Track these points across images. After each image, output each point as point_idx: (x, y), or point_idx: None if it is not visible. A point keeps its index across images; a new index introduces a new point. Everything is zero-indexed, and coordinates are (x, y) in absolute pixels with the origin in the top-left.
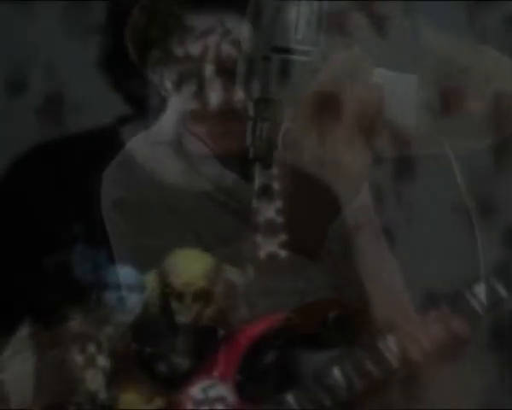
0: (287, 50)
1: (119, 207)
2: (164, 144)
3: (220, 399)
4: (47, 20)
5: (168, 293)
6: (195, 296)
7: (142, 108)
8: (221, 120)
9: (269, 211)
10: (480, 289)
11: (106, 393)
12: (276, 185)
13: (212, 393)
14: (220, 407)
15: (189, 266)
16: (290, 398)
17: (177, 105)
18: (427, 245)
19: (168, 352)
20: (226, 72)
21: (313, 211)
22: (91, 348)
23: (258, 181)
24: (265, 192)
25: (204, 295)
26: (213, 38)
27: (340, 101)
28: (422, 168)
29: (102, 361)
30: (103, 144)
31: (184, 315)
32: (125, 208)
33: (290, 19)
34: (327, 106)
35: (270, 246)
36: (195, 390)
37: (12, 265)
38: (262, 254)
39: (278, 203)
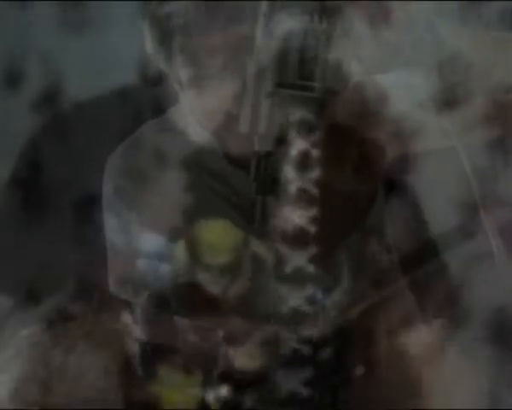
0: (291, 86)
1: (120, 195)
2: (172, 131)
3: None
4: (43, 14)
5: (196, 264)
6: (223, 269)
7: None
8: None
9: (301, 218)
10: None
11: (141, 365)
12: (313, 190)
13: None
14: None
15: (217, 237)
16: None
17: (190, 98)
18: None
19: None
20: None
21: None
22: (126, 318)
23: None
24: (299, 196)
25: (231, 269)
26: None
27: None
28: (426, 165)
29: (137, 332)
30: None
31: (212, 288)
32: (124, 197)
33: (295, 53)
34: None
35: (297, 260)
36: None
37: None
38: (288, 269)
39: (314, 210)
